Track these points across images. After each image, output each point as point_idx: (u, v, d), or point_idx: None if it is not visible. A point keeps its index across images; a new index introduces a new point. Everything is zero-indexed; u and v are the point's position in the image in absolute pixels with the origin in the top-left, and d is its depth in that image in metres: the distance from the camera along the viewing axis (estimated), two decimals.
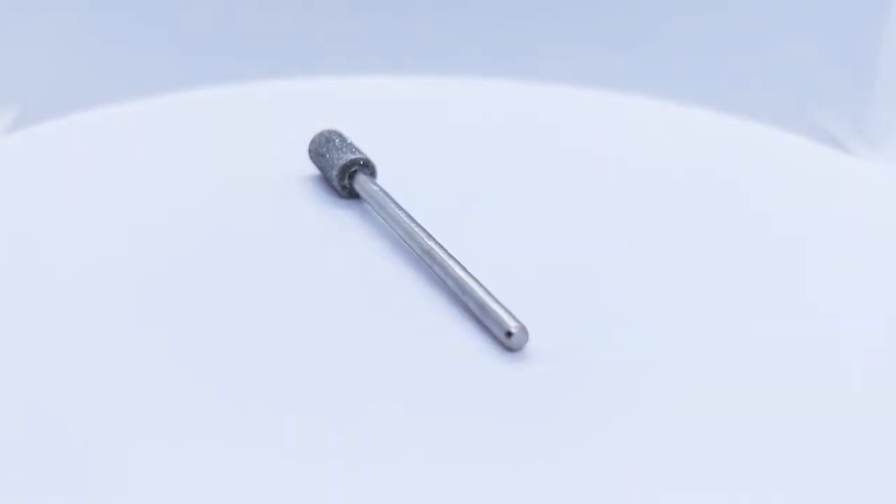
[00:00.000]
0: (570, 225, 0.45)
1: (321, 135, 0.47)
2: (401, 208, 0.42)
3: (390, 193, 0.43)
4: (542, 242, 0.43)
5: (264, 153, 0.50)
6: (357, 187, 0.45)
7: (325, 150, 0.46)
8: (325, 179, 0.46)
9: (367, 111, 0.54)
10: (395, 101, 0.56)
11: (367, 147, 0.47)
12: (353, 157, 0.45)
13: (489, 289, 0.37)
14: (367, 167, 0.45)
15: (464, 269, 0.38)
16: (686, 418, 0.34)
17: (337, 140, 0.46)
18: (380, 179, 0.45)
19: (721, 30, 0.68)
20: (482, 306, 0.36)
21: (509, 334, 0.35)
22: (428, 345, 0.37)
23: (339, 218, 0.44)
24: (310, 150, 0.47)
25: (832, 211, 0.48)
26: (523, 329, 0.35)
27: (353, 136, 0.47)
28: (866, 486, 0.31)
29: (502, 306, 0.36)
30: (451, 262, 0.39)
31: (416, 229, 0.41)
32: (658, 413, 0.34)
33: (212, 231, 0.43)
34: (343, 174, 0.45)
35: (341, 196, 0.45)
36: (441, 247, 0.39)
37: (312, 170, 0.47)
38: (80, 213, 0.44)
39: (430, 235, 0.40)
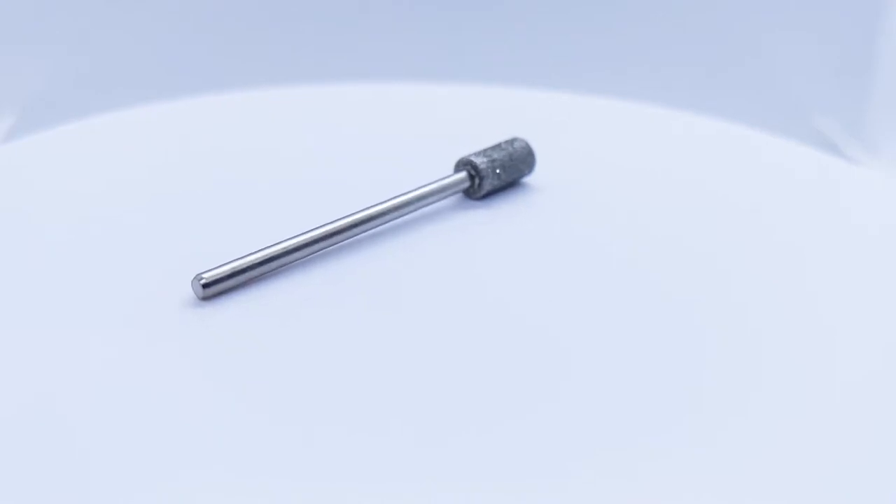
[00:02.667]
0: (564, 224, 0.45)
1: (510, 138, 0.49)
2: (396, 199, 0.44)
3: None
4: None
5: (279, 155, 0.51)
6: None
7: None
8: None
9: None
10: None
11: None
12: (469, 157, 0.47)
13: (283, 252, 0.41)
14: (476, 173, 0.47)
15: (311, 241, 0.41)
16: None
17: (503, 145, 0.48)
18: None
19: (718, 36, 0.68)
20: None
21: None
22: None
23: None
24: None
25: (829, 216, 0.48)
26: (201, 283, 0.39)
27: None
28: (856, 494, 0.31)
29: (240, 266, 0.40)
30: (316, 230, 0.42)
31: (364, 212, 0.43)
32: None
33: (214, 234, 0.44)
34: (456, 166, 0.47)
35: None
36: (346, 228, 0.43)
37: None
38: (80, 219, 0.44)
39: (363, 220, 0.43)
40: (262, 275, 0.40)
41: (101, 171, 0.50)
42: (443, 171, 0.47)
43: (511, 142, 0.48)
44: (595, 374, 0.36)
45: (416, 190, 0.45)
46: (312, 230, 0.42)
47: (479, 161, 0.47)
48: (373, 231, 0.44)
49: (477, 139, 0.49)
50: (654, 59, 0.69)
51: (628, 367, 0.36)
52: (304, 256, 0.42)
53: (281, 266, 0.41)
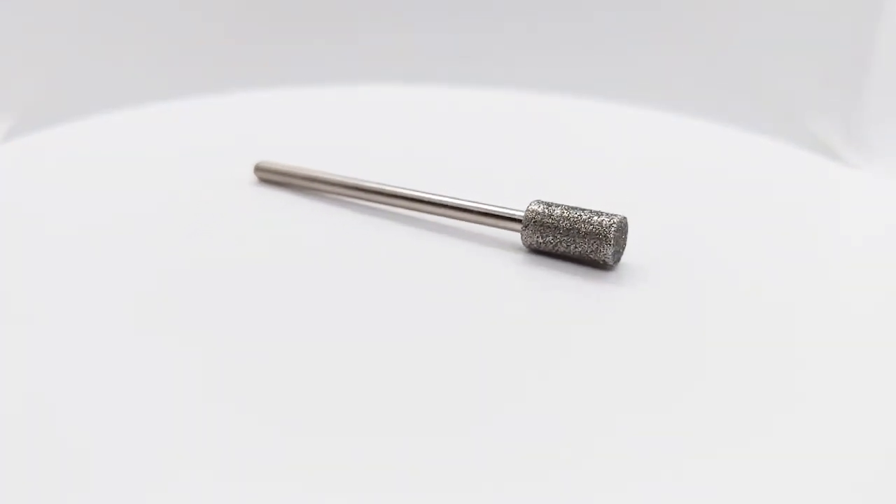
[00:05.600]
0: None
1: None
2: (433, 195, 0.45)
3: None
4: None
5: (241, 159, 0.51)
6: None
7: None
8: None
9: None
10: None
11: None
12: (532, 205, 0.42)
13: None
14: (529, 219, 0.41)
15: (370, 189, 0.46)
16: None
17: (584, 214, 0.41)
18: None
19: (715, 39, 0.68)
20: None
21: None
22: None
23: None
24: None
25: (825, 218, 0.48)
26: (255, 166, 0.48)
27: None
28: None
29: (291, 170, 0.48)
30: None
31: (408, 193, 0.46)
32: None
33: (213, 235, 0.44)
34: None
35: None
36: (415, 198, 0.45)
37: None
38: (79, 217, 0.45)
39: (399, 196, 0.46)
40: (305, 188, 0.48)
41: (101, 170, 0.50)
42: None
43: (593, 215, 0.41)
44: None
45: (458, 200, 0.44)
46: (374, 183, 0.46)
47: (531, 208, 0.42)
48: (414, 216, 0.46)
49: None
50: (649, 61, 0.69)
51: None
52: (348, 196, 0.47)
53: (327, 191, 0.47)
